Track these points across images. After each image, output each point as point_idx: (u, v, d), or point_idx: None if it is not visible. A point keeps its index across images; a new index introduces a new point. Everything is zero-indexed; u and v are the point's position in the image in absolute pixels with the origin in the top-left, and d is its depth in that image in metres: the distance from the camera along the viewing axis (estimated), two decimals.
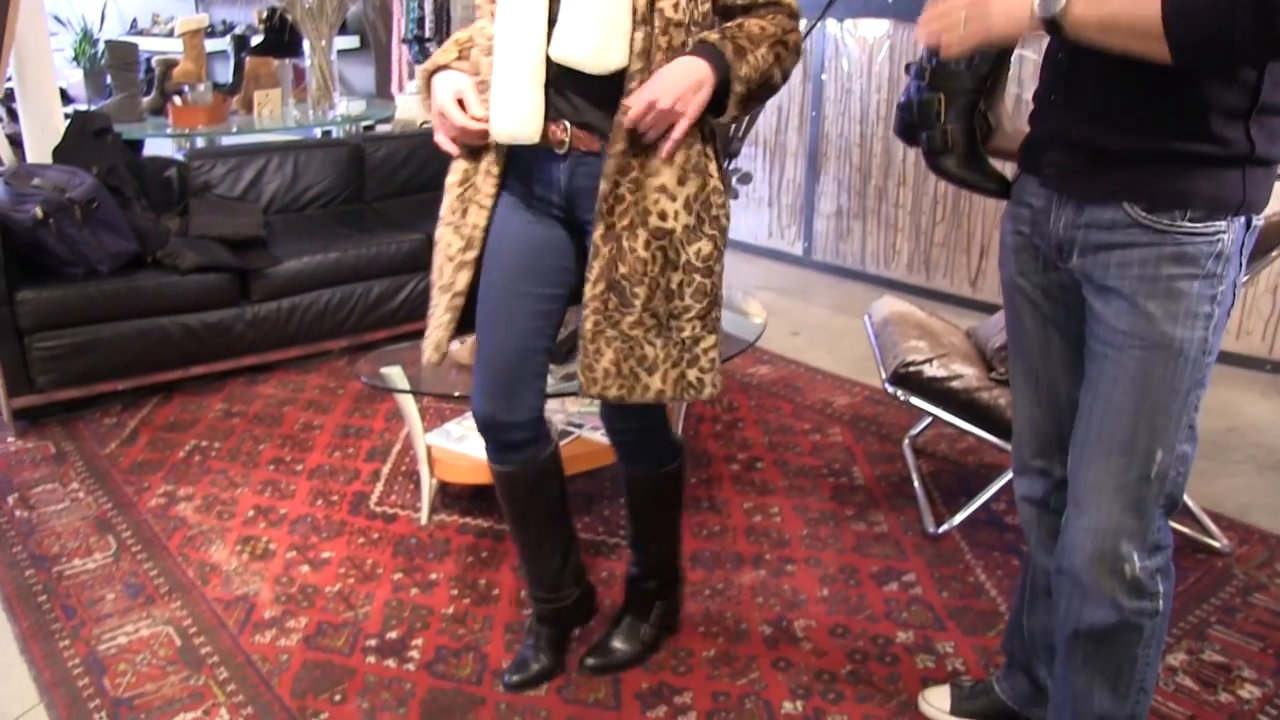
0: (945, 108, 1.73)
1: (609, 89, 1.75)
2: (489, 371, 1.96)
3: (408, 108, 5.52)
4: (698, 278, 1.83)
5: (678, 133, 1.74)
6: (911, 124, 1.79)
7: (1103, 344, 1.57)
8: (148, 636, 2.41)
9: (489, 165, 1.92)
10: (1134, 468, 1.56)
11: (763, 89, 1.80)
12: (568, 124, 1.81)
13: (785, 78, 1.84)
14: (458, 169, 1.97)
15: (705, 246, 1.83)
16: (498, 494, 2.13)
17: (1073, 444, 1.65)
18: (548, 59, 1.76)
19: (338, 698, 2.21)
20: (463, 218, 1.96)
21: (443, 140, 1.93)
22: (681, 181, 1.79)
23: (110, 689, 2.24)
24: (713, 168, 1.84)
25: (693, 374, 1.87)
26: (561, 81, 1.78)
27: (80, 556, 2.74)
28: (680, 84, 1.71)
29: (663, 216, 1.80)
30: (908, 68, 1.79)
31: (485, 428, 2.01)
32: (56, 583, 2.62)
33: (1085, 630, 1.65)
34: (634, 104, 1.72)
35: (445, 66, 1.91)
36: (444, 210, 1.99)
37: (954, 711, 2.10)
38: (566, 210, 1.90)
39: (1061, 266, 1.62)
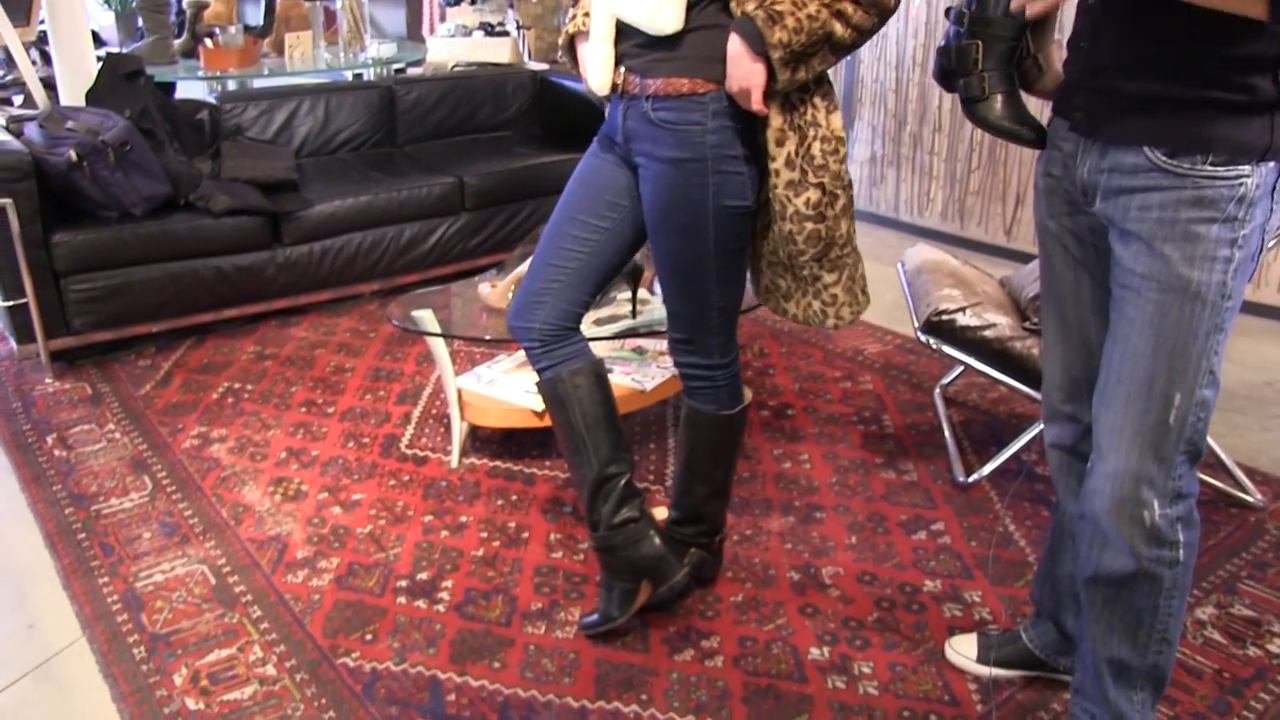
0: (983, 55, 1.69)
1: (665, 41, 1.86)
2: (523, 281, 2.13)
3: (439, 50, 5.48)
4: (809, 225, 1.94)
5: (754, 106, 1.83)
6: (949, 70, 1.76)
7: (1122, 287, 1.57)
8: (183, 574, 2.46)
9: None
10: (1152, 411, 1.55)
11: (818, 46, 1.81)
12: (623, 69, 1.93)
13: (858, 29, 1.82)
14: None
15: (813, 195, 1.92)
16: None
17: (1096, 389, 1.64)
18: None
19: (369, 637, 2.24)
20: None
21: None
22: (780, 143, 1.88)
23: (148, 624, 2.28)
24: (821, 117, 1.91)
25: (817, 305, 2.08)
26: (627, 31, 1.91)
27: (117, 496, 2.79)
28: (731, 67, 1.81)
29: (774, 174, 1.92)
30: (948, 12, 1.76)
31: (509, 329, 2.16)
32: (95, 521, 2.67)
33: (1104, 576, 1.66)
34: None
35: (584, 33, 2.01)
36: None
37: (981, 660, 2.11)
38: (626, 150, 2.00)
39: (1087, 210, 1.61)
